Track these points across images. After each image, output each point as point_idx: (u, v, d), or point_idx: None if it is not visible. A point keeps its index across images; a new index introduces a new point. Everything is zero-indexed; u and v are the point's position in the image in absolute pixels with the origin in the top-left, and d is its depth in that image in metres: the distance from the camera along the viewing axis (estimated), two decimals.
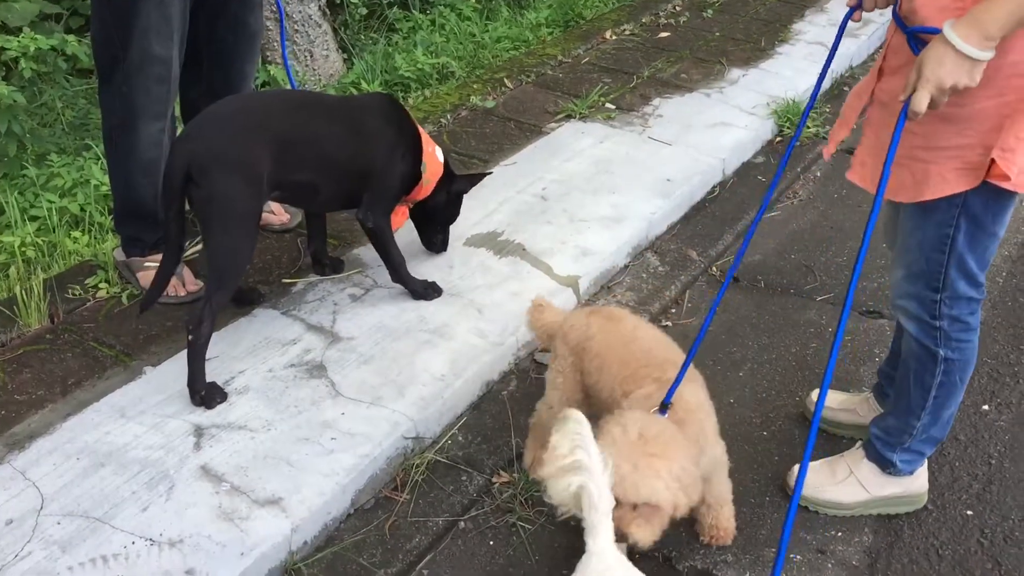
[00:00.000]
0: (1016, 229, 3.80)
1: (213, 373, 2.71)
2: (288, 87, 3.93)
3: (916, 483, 2.47)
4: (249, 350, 2.83)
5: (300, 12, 5.04)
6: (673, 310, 3.31)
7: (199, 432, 2.52)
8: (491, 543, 2.40)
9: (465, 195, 3.25)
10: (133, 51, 2.76)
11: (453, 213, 3.25)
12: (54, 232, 3.47)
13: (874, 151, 2.13)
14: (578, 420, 1.74)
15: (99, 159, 3.86)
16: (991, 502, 2.52)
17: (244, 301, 3.01)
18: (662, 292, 3.35)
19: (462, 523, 2.45)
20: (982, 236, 2.05)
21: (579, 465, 1.69)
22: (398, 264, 3.04)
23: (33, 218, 3.53)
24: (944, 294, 2.13)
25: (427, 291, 3.09)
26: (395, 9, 6.25)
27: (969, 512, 2.49)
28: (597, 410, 2.26)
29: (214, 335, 2.84)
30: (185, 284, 3.03)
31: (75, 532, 2.21)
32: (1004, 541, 2.41)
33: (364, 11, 6.11)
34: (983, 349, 3.06)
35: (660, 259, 3.53)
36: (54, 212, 3.54)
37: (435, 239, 3.29)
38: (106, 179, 3.61)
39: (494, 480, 2.56)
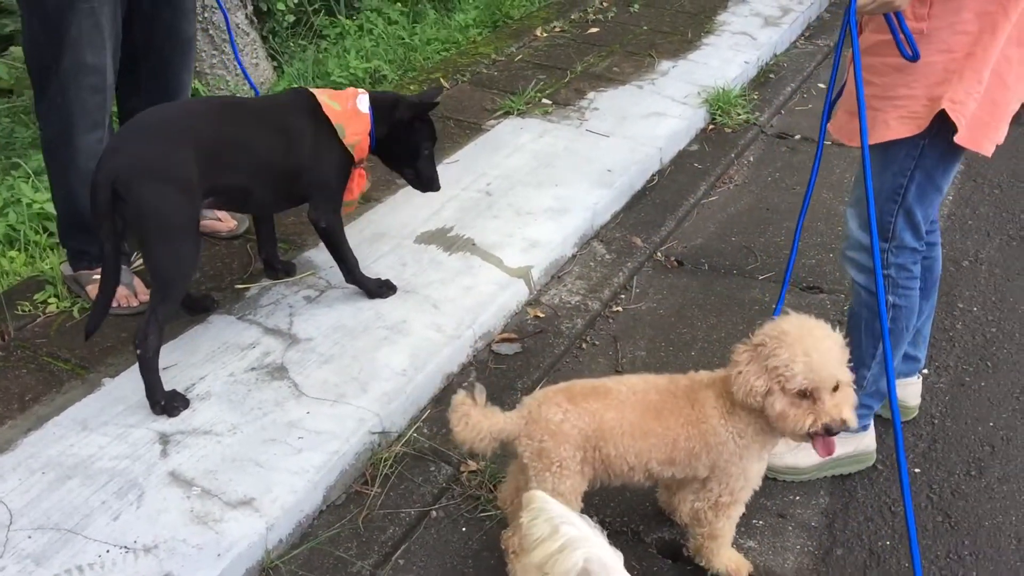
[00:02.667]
0: (941, 201, 3.96)
1: (173, 381, 2.70)
2: (222, 93, 3.90)
3: (865, 441, 2.59)
4: (208, 356, 2.83)
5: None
6: (622, 295, 3.39)
7: (165, 439, 2.51)
8: (463, 530, 2.45)
9: (429, 110, 3.02)
10: (65, 61, 2.74)
11: (420, 142, 3.05)
12: None
13: (845, 101, 2.30)
14: (543, 499, 1.67)
15: (29, 177, 3.80)
16: (936, 460, 2.65)
17: (198, 308, 3.00)
18: (610, 279, 3.43)
19: (434, 512, 2.49)
20: (930, 190, 2.22)
21: (573, 541, 1.60)
22: (352, 264, 3.04)
23: None
24: (892, 243, 2.29)
25: (381, 289, 3.10)
26: (321, 16, 6.26)
27: (917, 470, 2.61)
28: (606, 483, 2.18)
29: (170, 343, 2.86)
30: (137, 295, 3.01)
31: (47, 545, 2.19)
32: (952, 495, 2.54)
33: (292, 18, 6.11)
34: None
35: (606, 247, 3.61)
36: None
37: (419, 177, 3.12)
38: (38, 197, 3.57)
39: (462, 469, 2.61)
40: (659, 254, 3.64)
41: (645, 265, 3.57)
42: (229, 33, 3.51)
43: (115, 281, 2.60)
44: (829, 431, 1.96)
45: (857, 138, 2.15)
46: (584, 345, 3.13)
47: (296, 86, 4.08)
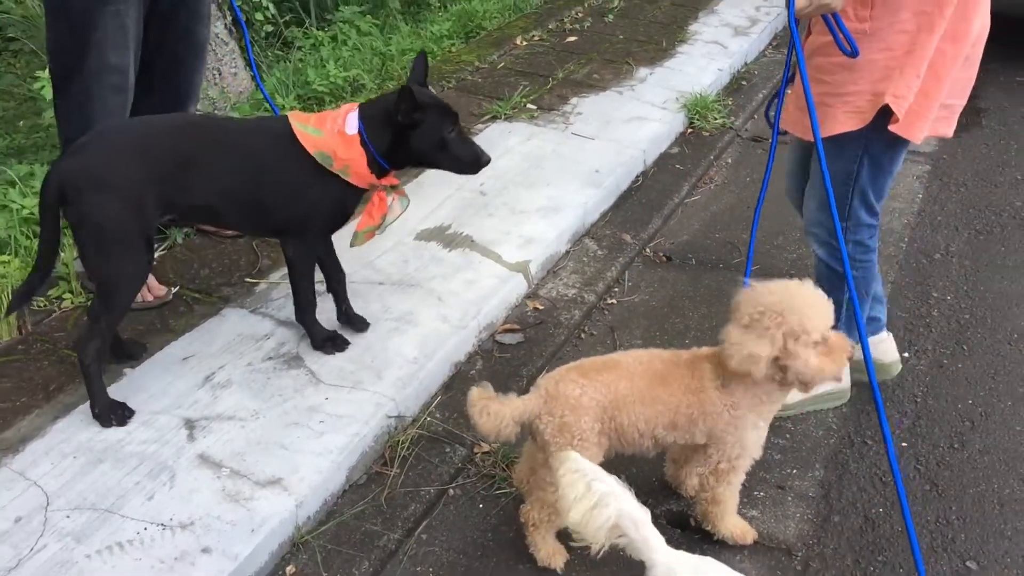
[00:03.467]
0: (911, 200, 4.18)
1: (193, 370, 2.80)
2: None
3: (842, 380, 2.84)
4: (224, 347, 2.92)
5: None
6: (616, 289, 3.54)
7: (190, 425, 2.60)
8: (480, 506, 2.56)
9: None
10: (90, 62, 2.82)
11: (436, 131, 2.67)
12: None
13: (795, 97, 2.51)
14: (575, 459, 1.80)
15: (15, 183, 3.85)
16: (921, 434, 2.82)
17: (122, 354, 2.83)
18: (603, 273, 3.57)
19: (451, 490, 2.60)
20: (880, 174, 2.46)
21: (604, 496, 1.73)
22: (305, 304, 2.87)
23: None
24: (849, 222, 2.53)
25: (325, 344, 2.90)
26: (292, 28, 6.36)
27: (904, 444, 2.78)
28: (620, 451, 2.30)
29: (187, 335, 2.96)
30: (151, 290, 3.09)
31: (86, 524, 2.27)
32: (937, 466, 2.70)
33: (269, 28, 6.21)
34: (897, 304, 3.40)
35: (598, 244, 3.76)
36: None
37: (452, 165, 2.77)
38: (27, 202, 3.60)
39: (475, 450, 2.72)
40: (648, 250, 3.79)
41: (635, 260, 3.72)
42: (246, 38, 3.55)
43: (48, 273, 2.57)
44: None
45: (809, 132, 2.32)
46: (583, 335, 3.26)
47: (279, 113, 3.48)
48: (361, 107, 2.66)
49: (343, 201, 2.72)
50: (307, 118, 2.65)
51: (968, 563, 2.39)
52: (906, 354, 3.16)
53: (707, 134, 4.71)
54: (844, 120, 2.37)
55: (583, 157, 4.21)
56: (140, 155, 2.50)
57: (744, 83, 5.36)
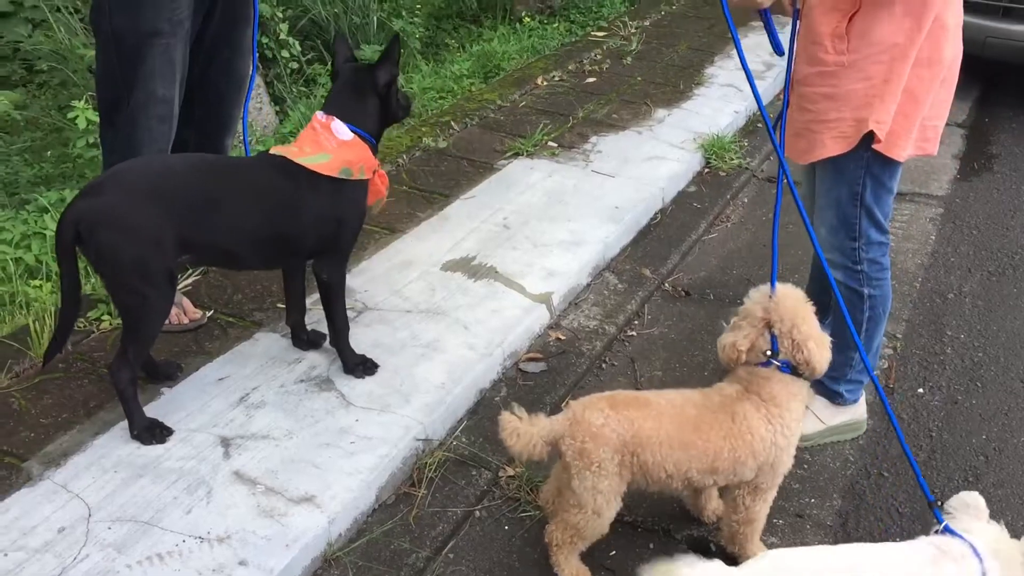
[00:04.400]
0: (925, 241, 4.27)
1: (228, 390, 2.89)
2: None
3: (859, 410, 2.98)
4: (257, 369, 3.01)
5: None
6: (636, 321, 3.62)
7: (226, 443, 2.69)
8: (506, 528, 2.63)
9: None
10: (138, 93, 2.94)
11: (397, 104, 2.91)
12: (11, 282, 3.48)
13: (789, 124, 2.69)
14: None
15: (47, 210, 3.96)
16: (936, 467, 2.89)
17: (159, 375, 2.93)
18: (624, 306, 3.66)
19: (477, 512, 2.67)
20: (882, 191, 2.60)
21: None
22: (341, 327, 2.98)
23: None
24: (860, 241, 2.65)
25: (357, 368, 3.00)
26: (315, 65, 6.53)
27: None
28: (645, 488, 2.37)
29: (221, 357, 3.05)
30: (186, 313, 3.19)
31: (127, 535, 2.35)
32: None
33: (295, 65, 6.37)
34: (912, 342, 3.48)
35: (618, 278, 3.85)
36: (9, 262, 3.57)
37: (405, 110, 2.98)
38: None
39: (500, 474, 2.80)
40: (667, 285, 3.88)
41: (655, 294, 3.81)
42: (252, 79, 3.57)
43: (74, 311, 2.65)
44: None
45: (801, 156, 2.62)
46: (604, 365, 3.34)
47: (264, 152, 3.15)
48: (337, 111, 2.77)
49: (364, 201, 2.85)
50: (300, 151, 2.71)
51: None
52: (920, 390, 3.23)
53: (724, 174, 4.81)
54: (831, 145, 2.53)
55: (603, 194, 4.32)
56: (154, 195, 2.55)
57: (759, 125, 5.47)
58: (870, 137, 2.47)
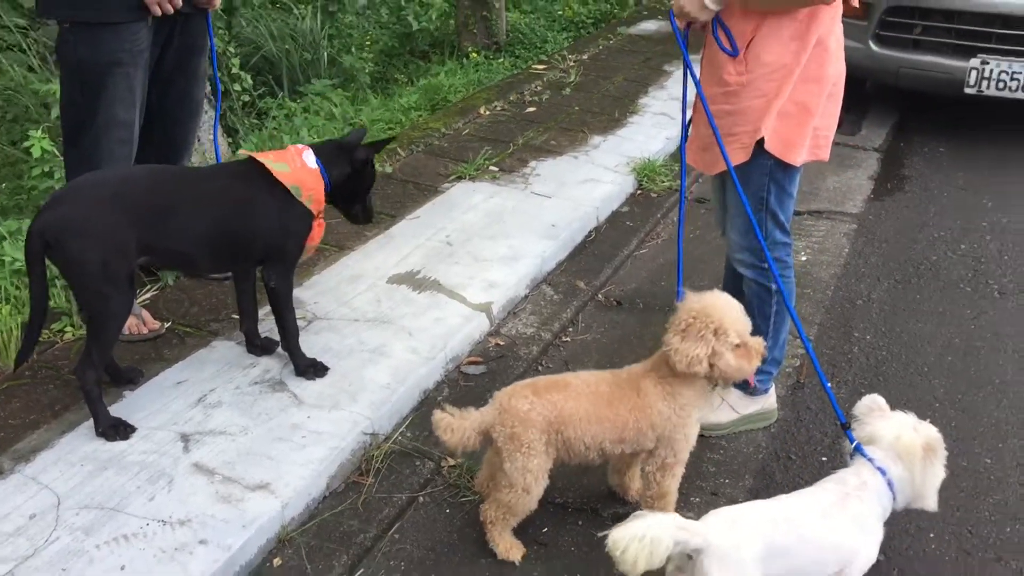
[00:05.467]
0: (839, 253, 4.60)
1: (187, 392, 3.09)
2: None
3: (769, 400, 3.27)
4: (214, 373, 3.22)
5: None
6: (570, 329, 3.89)
7: (185, 439, 2.89)
8: (447, 511, 2.86)
9: (378, 152, 3.24)
10: (100, 117, 3.17)
11: (364, 185, 3.24)
12: None
13: (695, 139, 3.03)
14: (616, 536, 2.07)
15: (5, 237, 4.10)
16: (840, 450, 3.17)
17: (121, 379, 3.13)
18: (559, 315, 3.92)
19: (421, 498, 2.90)
20: (784, 196, 2.92)
21: (654, 535, 2.04)
22: (291, 332, 3.20)
23: None
24: (767, 242, 2.93)
25: (307, 370, 3.21)
26: (267, 99, 6.77)
27: (824, 458, 3.13)
28: (567, 461, 2.61)
29: (180, 363, 3.26)
30: (145, 323, 3.39)
31: (94, 520, 2.54)
32: None
33: (247, 98, 6.61)
34: (823, 343, 3.79)
35: (554, 289, 4.12)
36: None
37: (355, 212, 3.30)
38: (18, 255, 3.84)
39: (443, 464, 3.03)
40: (600, 296, 4.16)
41: (588, 304, 4.08)
42: (218, 103, 3.90)
43: (41, 320, 2.84)
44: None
45: (709, 168, 2.98)
46: (540, 368, 3.60)
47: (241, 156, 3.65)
48: (313, 146, 3.09)
49: (307, 224, 3.06)
50: (268, 155, 3.00)
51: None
52: (829, 384, 3.52)
53: (655, 195, 5.12)
54: (734, 156, 2.84)
55: (541, 213, 4.60)
56: (114, 202, 2.76)
57: None
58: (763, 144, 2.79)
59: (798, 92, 2.74)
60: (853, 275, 4.42)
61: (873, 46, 6.10)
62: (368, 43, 8.25)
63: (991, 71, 5.66)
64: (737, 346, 2.48)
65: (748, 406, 3.22)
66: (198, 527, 2.55)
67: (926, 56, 5.99)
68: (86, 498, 2.62)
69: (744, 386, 3.18)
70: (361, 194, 3.25)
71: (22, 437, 2.86)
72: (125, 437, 2.86)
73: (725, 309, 2.49)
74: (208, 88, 3.90)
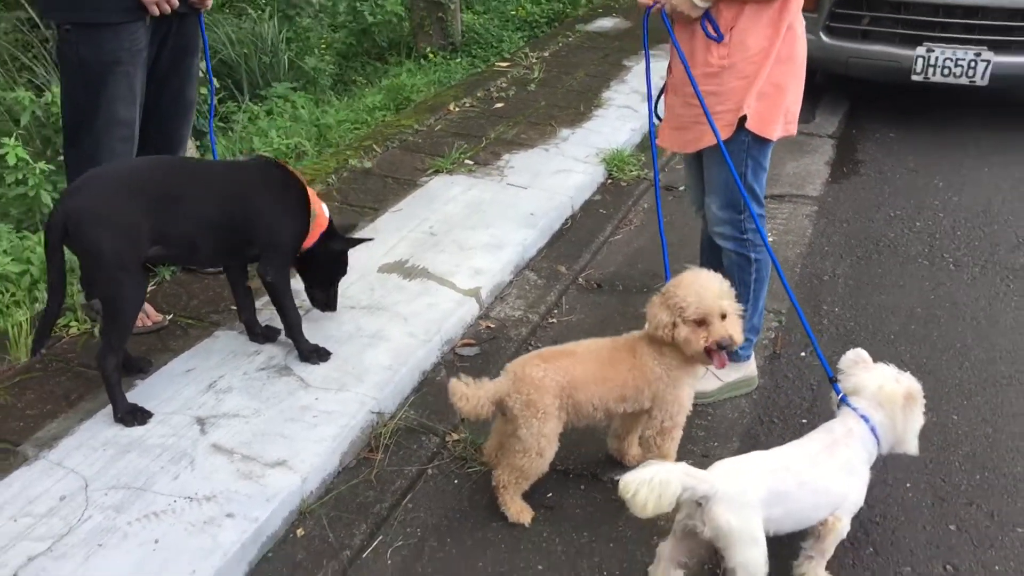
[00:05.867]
0: (803, 234, 4.83)
1: (196, 379, 3.21)
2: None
3: (750, 368, 3.48)
4: (221, 361, 3.33)
5: None
6: (555, 311, 4.06)
7: (201, 422, 3.00)
8: (455, 481, 3.01)
9: (355, 246, 3.50)
10: (101, 116, 3.26)
11: (335, 271, 3.48)
12: None
13: (670, 121, 3.21)
14: (627, 480, 2.23)
15: None
16: (817, 414, 3.38)
17: (132, 368, 3.23)
18: (544, 298, 4.09)
19: (429, 470, 3.05)
20: (759, 170, 3.14)
21: (664, 479, 2.22)
22: (293, 322, 3.32)
23: None
24: (744, 215, 3.15)
25: (312, 356, 3.34)
26: (228, 103, 6.84)
27: (804, 421, 3.34)
28: (575, 424, 2.79)
29: (186, 353, 3.37)
30: (149, 316, 3.49)
31: (123, 499, 2.65)
32: None
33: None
34: (796, 317, 3.98)
35: (537, 274, 4.29)
36: None
37: (318, 295, 3.50)
38: (0, 258, 3.92)
39: (447, 439, 3.17)
40: (581, 279, 4.33)
41: (570, 288, 4.26)
42: (211, 102, 3.99)
43: (59, 306, 2.94)
44: (721, 346, 2.68)
45: (687, 146, 3.17)
46: (530, 348, 3.76)
47: (259, 156, 4.08)
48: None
49: (307, 224, 3.26)
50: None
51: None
52: (803, 353, 3.74)
53: (624, 184, 5.32)
54: (720, 133, 3.03)
55: (518, 203, 4.76)
56: (130, 191, 2.91)
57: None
58: (744, 122, 3.00)
59: (774, 73, 2.96)
60: (818, 254, 4.65)
61: (824, 37, 6.35)
62: (324, 45, 8.33)
63: (936, 58, 5.94)
64: (697, 322, 2.68)
65: (731, 374, 3.41)
66: (224, 502, 2.67)
67: (875, 46, 6.25)
68: (112, 479, 2.73)
69: (731, 356, 3.37)
70: (323, 277, 3.47)
71: (42, 426, 2.95)
72: (143, 422, 2.97)
73: (697, 287, 2.71)
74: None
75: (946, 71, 5.96)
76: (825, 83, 7.16)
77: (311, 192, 3.31)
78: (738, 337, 2.71)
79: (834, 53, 6.36)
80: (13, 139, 4.49)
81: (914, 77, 6.05)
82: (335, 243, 3.37)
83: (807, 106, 6.78)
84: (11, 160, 4.40)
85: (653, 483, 2.22)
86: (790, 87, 3.02)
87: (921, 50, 5.96)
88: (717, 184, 3.14)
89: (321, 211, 3.33)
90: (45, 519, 2.57)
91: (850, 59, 6.32)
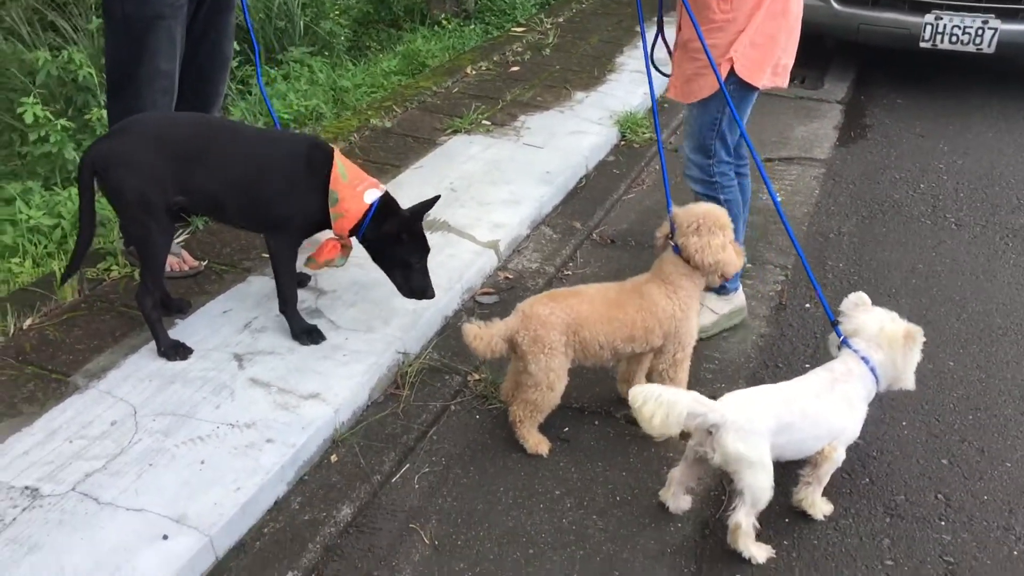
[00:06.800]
0: (810, 195, 4.99)
1: (233, 320, 3.40)
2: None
3: (738, 299, 3.73)
4: (255, 304, 3.52)
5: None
6: (570, 263, 4.23)
7: (239, 358, 3.19)
8: (477, 417, 3.20)
9: (413, 224, 3.25)
10: (144, 69, 3.42)
11: (398, 252, 3.27)
12: None
13: (677, 76, 3.41)
14: (637, 391, 2.46)
15: (15, 199, 4.26)
16: (819, 360, 3.54)
17: (172, 308, 3.40)
18: (559, 252, 4.26)
19: (452, 406, 3.24)
20: (734, 123, 3.32)
21: (672, 400, 2.43)
22: (287, 297, 3.31)
23: None
24: (713, 159, 3.39)
25: (303, 336, 3.30)
26: (245, 67, 6.97)
27: (807, 365, 3.51)
28: (583, 362, 2.98)
29: (222, 296, 3.56)
30: (186, 262, 3.68)
31: (170, 424, 2.85)
32: None
33: (234, 64, 6.79)
34: (801, 272, 4.17)
35: (553, 229, 4.46)
36: None
37: (400, 283, 3.34)
38: (33, 212, 4.08)
39: (469, 378, 3.36)
40: (595, 235, 4.51)
41: (585, 242, 4.43)
42: (257, 59, 4.04)
43: (88, 242, 3.10)
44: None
45: (690, 97, 3.33)
46: None
47: (311, 136, 3.67)
48: (386, 196, 3.25)
49: (320, 210, 3.21)
50: (347, 162, 3.21)
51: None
52: (808, 305, 3.92)
53: (637, 146, 5.47)
54: (710, 85, 3.23)
55: (535, 162, 4.93)
56: (157, 140, 3.04)
57: (667, 105, 6.15)
58: (732, 75, 3.20)
59: (767, 25, 3.16)
60: (824, 213, 4.80)
61: (835, 4, 6.46)
62: (338, 11, 8.44)
63: (944, 26, 6.06)
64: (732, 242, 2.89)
65: (724, 307, 3.64)
66: (263, 429, 2.87)
67: (884, 13, 6.37)
68: (159, 407, 2.92)
69: (718, 289, 3.56)
70: (392, 258, 3.31)
71: (90, 359, 3.15)
72: (184, 357, 3.16)
73: (722, 213, 2.91)
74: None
75: (954, 39, 6.08)
76: (835, 50, 7.28)
77: (337, 176, 3.15)
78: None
79: (845, 20, 6.48)
80: (32, 97, 4.60)
81: (922, 44, 6.17)
82: (388, 224, 3.21)
83: (816, 73, 6.96)
84: (28, 118, 4.49)
85: (661, 400, 2.41)
86: (781, 39, 3.21)
87: (930, 17, 6.08)
88: (692, 128, 3.38)
89: (352, 195, 3.17)
90: (99, 441, 2.77)
91: (861, 26, 6.43)
